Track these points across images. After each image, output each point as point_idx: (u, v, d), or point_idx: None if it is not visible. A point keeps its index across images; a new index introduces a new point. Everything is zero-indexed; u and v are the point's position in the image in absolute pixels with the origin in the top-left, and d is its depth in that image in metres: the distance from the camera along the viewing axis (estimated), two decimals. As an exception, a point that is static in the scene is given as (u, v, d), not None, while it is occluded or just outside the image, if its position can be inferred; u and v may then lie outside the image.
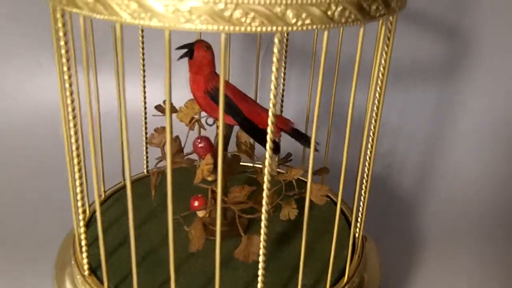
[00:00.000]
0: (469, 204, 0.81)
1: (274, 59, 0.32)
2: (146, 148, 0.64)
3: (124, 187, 0.63)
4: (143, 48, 0.60)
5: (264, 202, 0.36)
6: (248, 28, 0.30)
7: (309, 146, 0.49)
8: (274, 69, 0.32)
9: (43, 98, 0.94)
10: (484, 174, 0.87)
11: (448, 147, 0.92)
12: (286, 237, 0.54)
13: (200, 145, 0.43)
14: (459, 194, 0.83)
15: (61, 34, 0.36)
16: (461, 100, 0.95)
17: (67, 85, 0.40)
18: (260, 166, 0.55)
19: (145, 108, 0.62)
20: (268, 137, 0.35)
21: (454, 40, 0.92)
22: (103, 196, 0.60)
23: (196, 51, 0.46)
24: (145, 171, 0.65)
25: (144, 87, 0.61)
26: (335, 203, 0.60)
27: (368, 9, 0.33)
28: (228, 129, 0.49)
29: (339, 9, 0.31)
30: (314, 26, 0.31)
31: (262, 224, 0.37)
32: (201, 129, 0.56)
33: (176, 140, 0.52)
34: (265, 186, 0.35)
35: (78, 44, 0.40)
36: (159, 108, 0.56)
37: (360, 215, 0.52)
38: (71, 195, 0.47)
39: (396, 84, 0.95)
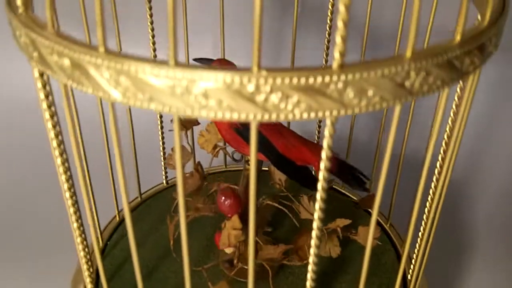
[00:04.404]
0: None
1: (325, 145, 0.23)
2: (164, 155, 0.56)
3: (141, 203, 0.56)
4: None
5: (310, 269, 0.28)
6: (290, 116, 0.21)
7: (361, 189, 0.40)
8: (324, 156, 0.23)
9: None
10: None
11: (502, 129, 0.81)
12: (326, 277, 0.46)
13: (226, 202, 0.35)
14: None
15: (42, 96, 0.27)
16: None
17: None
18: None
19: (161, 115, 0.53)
20: (319, 195, 0.25)
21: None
22: (117, 218, 0.53)
23: None
24: (164, 182, 0.58)
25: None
26: (386, 233, 0.52)
27: (460, 66, 0.23)
28: (258, 163, 0.41)
29: (421, 76, 0.22)
30: (384, 104, 0.22)
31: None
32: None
33: (197, 169, 0.44)
34: (313, 243, 0.26)
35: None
36: (177, 120, 0.48)
37: (415, 256, 0.43)
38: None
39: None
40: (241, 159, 0.41)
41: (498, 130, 0.80)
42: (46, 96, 0.27)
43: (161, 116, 0.53)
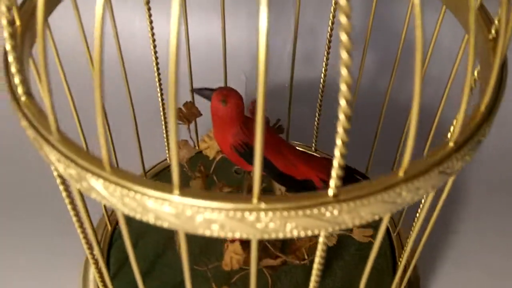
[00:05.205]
0: None
1: (317, 260, 0.24)
2: (166, 130, 0.56)
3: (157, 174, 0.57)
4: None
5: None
6: (288, 235, 0.22)
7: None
8: (314, 275, 0.25)
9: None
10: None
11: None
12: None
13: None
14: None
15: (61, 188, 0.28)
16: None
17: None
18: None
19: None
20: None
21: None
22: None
23: (214, 103, 0.37)
24: (168, 158, 0.59)
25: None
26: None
27: (451, 171, 0.24)
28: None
29: (412, 192, 0.23)
30: (376, 217, 0.23)
31: None
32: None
33: (200, 170, 0.45)
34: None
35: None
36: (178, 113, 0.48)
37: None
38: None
39: None
40: (242, 172, 0.43)
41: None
42: (65, 189, 0.28)
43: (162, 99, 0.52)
